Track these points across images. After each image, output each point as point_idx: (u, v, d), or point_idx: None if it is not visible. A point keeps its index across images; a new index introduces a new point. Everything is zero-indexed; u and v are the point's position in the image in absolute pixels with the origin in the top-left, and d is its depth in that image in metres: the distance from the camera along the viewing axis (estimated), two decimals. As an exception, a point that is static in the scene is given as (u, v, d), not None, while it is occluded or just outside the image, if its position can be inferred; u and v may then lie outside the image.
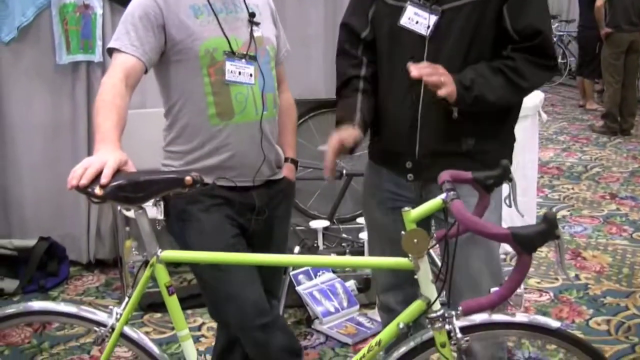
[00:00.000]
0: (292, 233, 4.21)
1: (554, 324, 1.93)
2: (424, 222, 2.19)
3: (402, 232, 1.81)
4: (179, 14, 2.29)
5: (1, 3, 4.19)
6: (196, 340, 3.58)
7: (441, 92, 2.12)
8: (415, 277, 1.88)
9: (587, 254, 4.77)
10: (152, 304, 3.93)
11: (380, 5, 2.39)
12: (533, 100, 4.74)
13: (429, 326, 1.91)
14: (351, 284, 3.97)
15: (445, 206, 1.82)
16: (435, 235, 1.92)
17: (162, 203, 2.23)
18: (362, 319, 3.79)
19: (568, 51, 13.23)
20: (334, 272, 4.03)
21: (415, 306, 1.90)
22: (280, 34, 2.60)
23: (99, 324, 2.07)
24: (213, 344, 2.87)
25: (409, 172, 2.39)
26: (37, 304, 2.17)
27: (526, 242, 1.66)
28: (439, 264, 3.34)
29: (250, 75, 2.34)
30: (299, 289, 3.81)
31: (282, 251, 2.59)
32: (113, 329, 2.05)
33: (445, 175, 1.90)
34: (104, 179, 1.81)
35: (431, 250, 2.06)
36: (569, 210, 5.79)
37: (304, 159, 4.17)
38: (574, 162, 7.47)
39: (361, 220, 2.76)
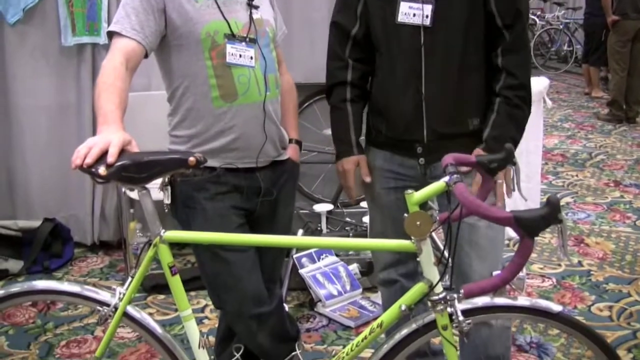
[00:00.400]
0: (296, 216, 4.21)
1: (556, 307, 1.93)
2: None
3: (405, 215, 1.82)
4: None
5: (7, -16, 4.19)
6: (199, 322, 3.60)
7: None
8: (418, 259, 1.89)
9: (590, 240, 4.78)
10: (155, 286, 3.95)
11: (369, 0, 2.44)
12: (538, 86, 4.72)
13: (431, 309, 1.91)
14: (354, 267, 3.99)
15: (448, 189, 1.82)
16: (438, 218, 1.92)
17: (169, 188, 2.24)
18: (364, 302, 3.80)
19: (574, 39, 13.18)
20: (337, 255, 4.04)
21: (418, 288, 1.91)
22: (277, 17, 2.60)
23: (102, 303, 2.08)
24: (216, 325, 2.89)
25: (420, 156, 2.45)
26: (41, 283, 2.16)
27: (529, 225, 1.66)
28: (441, 247, 3.38)
29: (251, 57, 2.33)
30: (302, 271, 3.82)
31: (286, 232, 2.60)
32: (116, 308, 2.06)
33: (448, 158, 1.90)
34: (110, 158, 1.80)
35: (433, 234, 2.06)
36: (572, 197, 5.79)
37: (308, 142, 4.18)
38: (578, 149, 7.46)
39: (365, 204, 2.76)
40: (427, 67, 2.36)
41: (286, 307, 3.26)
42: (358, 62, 2.53)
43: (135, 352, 3.37)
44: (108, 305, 2.06)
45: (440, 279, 1.89)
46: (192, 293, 3.89)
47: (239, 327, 2.45)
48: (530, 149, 4.72)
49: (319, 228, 4.19)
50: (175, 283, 2.07)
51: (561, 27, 13.52)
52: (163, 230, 2.03)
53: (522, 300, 1.94)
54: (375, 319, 1.98)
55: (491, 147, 2.35)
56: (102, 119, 1.96)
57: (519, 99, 2.39)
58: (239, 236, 2.20)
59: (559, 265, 4.32)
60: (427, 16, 2.32)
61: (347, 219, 4.33)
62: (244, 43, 2.33)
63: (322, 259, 3.95)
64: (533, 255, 4.33)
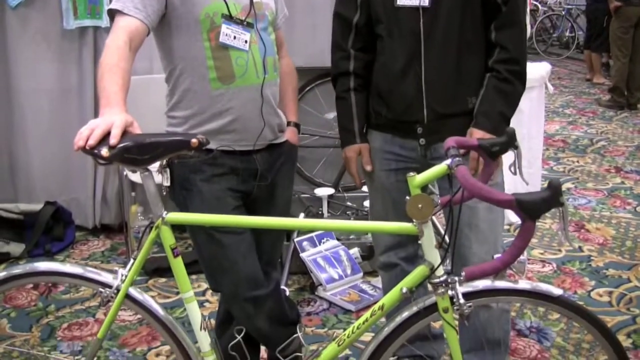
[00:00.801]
0: (297, 200, 4.23)
1: (556, 291, 1.94)
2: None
3: (407, 197, 1.83)
4: None
5: (8, -33, 4.19)
6: (200, 305, 3.60)
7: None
8: (419, 242, 1.89)
9: (590, 226, 4.78)
10: (157, 269, 3.96)
11: None
12: (539, 71, 4.72)
13: (432, 291, 1.92)
14: (355, 251, 4.00)
15: (450, 172, 1.83)
16: (439, 200, 1.92)
17: (167, 170, 2.23)
18: (365, 287, 3.81)
19: (576, 25, 13.15)
20: (338, 239, 4.05)
21: (419, 271, 1.92)
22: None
23: (104, 285, 2.08)
24: (217, 309, 2.89)
25: (421, 137, 2.47)
26: (43, 265, 2.17)
27: (530, 208, 1.67)
28: (442, 231, 3.39)
29: (245, 41, 2.31)
30: (303, 255, 3.83)
31: (285, 215, 2.58)
32: (118, 290, 2.07)
33: (450, 141, 1.90)
34: (113, 139, 1.80)
35: (434, 218, 2.07)
36: (573, 183, 5.79)
37: (310, 126, 4.18)
38: (579, 135, 7.46)
39: (366, 188, 2.77)
40: (427, 48, 2.38)
41: (287, 290, 3.28)
42: (360, 51, 2.56)
43: (137, 334, 3.39)
44: (110, 286, 2.07)
45: (441, 263, 1.89)
46: (193, 277, 3.87)
47: (236, 310, 2.45)
48: (532, 134, 4.73)
49: (320, 212, 4.19)
50: (178, 265, 2.08)
51: (563, 13, 13.49)
52: (165, 212, 2.03)
53: (523, 284, 1.94)
54: (376, 302, 1.98)
55: (480, 122, 2.37)
56: (105, 101, 1.95)
57: (510, 72, 2.39)
58: (241, 218, 2.20)
59: (559, 250, 4.33)
60: None
61: (348, 203, 4.33)
62: (240, 26, 2.31)
63: (323, 242, 3.96)
64: (533, 240, 4.33)
